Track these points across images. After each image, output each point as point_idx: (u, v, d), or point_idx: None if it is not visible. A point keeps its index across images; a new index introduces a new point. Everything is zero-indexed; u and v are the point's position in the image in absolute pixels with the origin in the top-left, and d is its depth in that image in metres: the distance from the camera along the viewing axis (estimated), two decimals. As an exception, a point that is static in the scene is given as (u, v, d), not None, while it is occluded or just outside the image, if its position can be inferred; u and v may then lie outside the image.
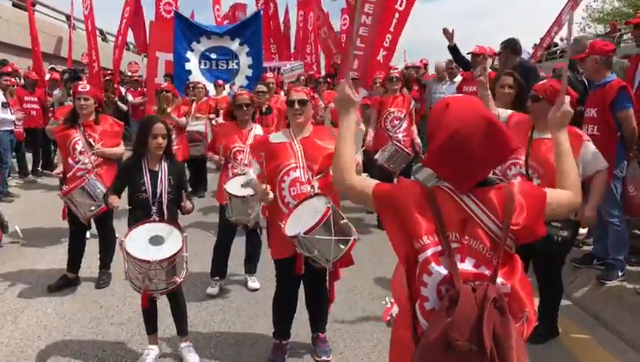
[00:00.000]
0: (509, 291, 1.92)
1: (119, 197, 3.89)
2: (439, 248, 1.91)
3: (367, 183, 2.15)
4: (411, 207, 1.95)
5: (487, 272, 1.91)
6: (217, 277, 5.28)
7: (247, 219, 4.81)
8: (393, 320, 2.21)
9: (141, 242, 3.51)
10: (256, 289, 5.22)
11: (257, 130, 5.26)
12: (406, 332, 1.99)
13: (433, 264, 1.90)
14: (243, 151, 5.08)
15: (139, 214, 3.76)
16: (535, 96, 3.78)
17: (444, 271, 1.89)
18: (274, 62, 15.19)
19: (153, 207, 3.78)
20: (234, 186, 4.63)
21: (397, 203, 2.00)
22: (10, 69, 10.56)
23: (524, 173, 3.74)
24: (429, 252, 1.91)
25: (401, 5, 9.35)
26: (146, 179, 3.80)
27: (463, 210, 1.94)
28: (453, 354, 1.79)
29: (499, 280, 1.91)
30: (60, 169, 5.49)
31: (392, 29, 9.43)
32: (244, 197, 4.63)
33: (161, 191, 3.81)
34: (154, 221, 3.72)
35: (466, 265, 1.92)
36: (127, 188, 3.90)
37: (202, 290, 5.19)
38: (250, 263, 5.43)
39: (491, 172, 2.13)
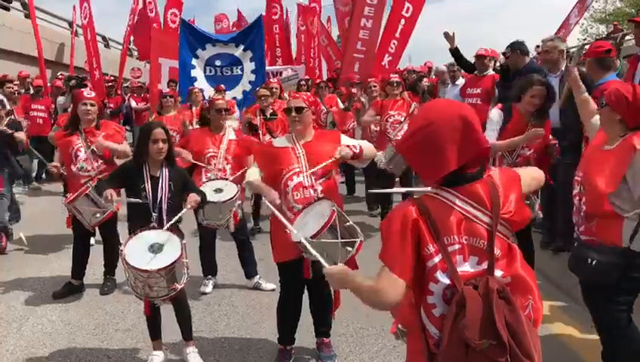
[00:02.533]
0: (511, 281, 1.95)
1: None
2: (441, 256, 1.93)
3: (388, 279, 1.94)
4: (416, 225, 1.95)
5: (487, 265, 1.95)
6: (210, 276, 5.39)
7: (218, 224, 4.90)
8: (401, 332, 2.21)
9: (140, 250, 3.50)
10: (273, 290, 5.14)
11: (230, 135, 5.29)
12: (421, 358, 2.01)
13: (439, 272, 1.93)
14: (217, 157, 5.13)
15: (138, 220, 3.76)
16: (600, 102, 3.39)
17: (447, 281, 1.92)
18: (276, 67, 15.22)
19: (154, 214, 3.79)
20: (207, 191, 4.61)
21: (407, 238, 1.94)
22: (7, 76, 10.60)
23: (579, 190, 3.33)
24: (436, 259, 1.94)
25: (407, 12, 9.36)
26: (146, 185, 3.80)
27: (455, 210, 1.96)
28: (475, 354, 1.82)
29: (498, 272, 1.94)
30: (56, 163, 5.45)
31: (397, 34, 9.44)
32: (215, 203, 4.68)
33: (162, 197, 3.82)
34: (153, 228, 3.72)
35: (469, 265, 1.95)
36: (126, 193, 3.91)
37: (207, 296, 5.21)
38: (249, 267, 5.45)
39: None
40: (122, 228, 5.52)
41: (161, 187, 3.84)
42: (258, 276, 5.42)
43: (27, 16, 15.71)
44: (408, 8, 9.32)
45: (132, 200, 3.78)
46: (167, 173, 3.88)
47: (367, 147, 3.86)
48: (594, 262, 3.11)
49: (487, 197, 1.97)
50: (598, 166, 3.21)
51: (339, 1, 14.57)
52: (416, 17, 9.40)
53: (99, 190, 4.00)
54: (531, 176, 2.30)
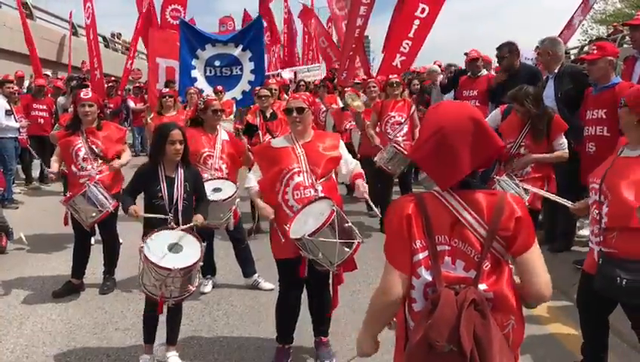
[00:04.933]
0: (493, 297, 1.93)
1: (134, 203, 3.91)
2: (427, 253, 1.95)
3: (391, 275, 2.00)
4: (409, 220, 1.97)
5: (474, 276, 1.93)
6: (209, 275, 5.43)
7: (219, 223, 4.91)
8: (394, 323, 2.23)
9: (160, 249, 3.51)
10: (272, 289, 5.17)
11: (224, 135, 5.33)
12: (400, 349, 2.04)
13: (422, 268, 1.95)
14: (212, 156, 5.16)
15: (155, 221, 3.76)
16: (620, 101, 3.28)
17: (429, 278, 1.93)
18: (285, 69, 15.26)
19: (170, 214, 3.80)
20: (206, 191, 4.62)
21: (403, 234, 1.98)
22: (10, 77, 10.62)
23: (598, 199, 3.16)
24: (421, 255, 1.95)
25: (422, 13, 9.28)
26: (162, 186, 3.82)
27: (452, 213, 1.97)
28: (435, 355, 1.83)
29: (482, 286, 1.92)
30: (56, 167, 5.45)
31: (411, 35, 9.40)
32: (216, 201, 4.70)
33: (177, 198, 3.84)
34: (171, 228, 3.73)
35: (456, 268, 1.95)
36: (143, 196, 3.92)
37: (206, 295, 5.23)
38: (246, 266, 5.48)
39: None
40: (122, 228, 5.57)
41: (177, 188, 3.86)
42: (257, 274, 5.45)
43: (29, 16, 15.71)
44: (424, 9, 9.22)
45: (150, 215, 3.79)
46: (182, 174, 3.90)
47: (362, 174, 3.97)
48: (624, 282, 2.91)
49: (488, 209, 1.95)
50: (624, 175, 3.03)
51: (335, 5, 14.62)
52: (433, 18, 9.29)
53: (124, 206, 3.92)
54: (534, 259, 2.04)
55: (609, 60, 4.79)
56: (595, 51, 4.98)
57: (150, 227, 3.74)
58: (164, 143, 3.81)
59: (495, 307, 1.92)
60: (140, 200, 3.97)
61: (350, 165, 3.95)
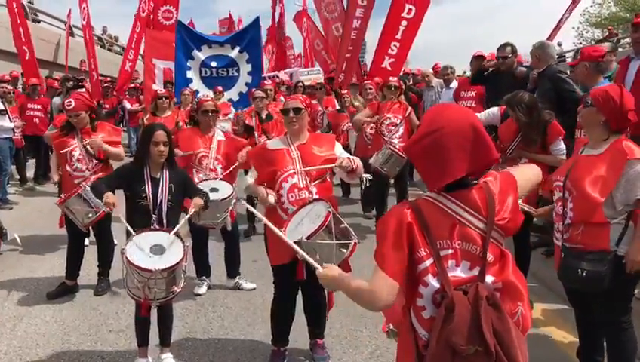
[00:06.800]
0: (502, 286, 1.95)
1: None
2: (433, 259, 1.93)
3: (382, 280, 1.94)
4: (410, 228, 1.95)
5: (479, 271, 1.94)
6: (204, 276, 5.41)
7: (215, 223, 4.89)
8: (392, 332, 2.22)
9: (143, 250, 3.49)
10: (253, 289, 5.29)
11: (219, 135, 5.33)
12: (409, 358, 2.01)
13: (430, 275, 1.93)
14: (208, 157, 5.15)
15: (138, 221, 3.74)
16: (585, 101, 3.34)
17: (437, 284, 1.92)
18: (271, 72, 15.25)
19: (154, 215, 3.78)
20: None
21: (401, 243, 1.95)
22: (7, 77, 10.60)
23: (562, 196, 3.32)
24: (427, 263, 1.93)
25: (409, 13, 9.26)
26: (147, 186, 3.80)
27: (449, 215, 1.96)
28: (460, 360, 1.82)
29: (489, 278, 1.94)
30: (57, 177, 5.44)
31: (398, 36, 9.38)
32: (213, 201, 4.67)
33: (162, 199, 3.82)
34: (155, 229, 3.71)
35: (461, 270, 1.95)
36: (125, 195, 3.89)
37: (201, 297, 5.21)
38: (231, 267, 5.48)
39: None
40: (116, 229, 5.54)
41: (162, 189, 3.84)
42: (239, 276, 5.46)
43: (25, 16, 15.62)
44: (410, 10, 9.19)
45: (127, 225, 3.70)
46: (167, 175, 3.89)
47: (360, 166, 3.86)
48: (584, 273, 3.12)
49: (483, 203, 1.97)
50: (587, 172, 3.17)
51: (324, 9, 14.58)
52: (419, 18, 9.27)
53: (96, 189, 3.90)
54: (526, 178, 2.25)
55: (585, 65, 4.80)
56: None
57: (133, 226, 3.70)
58: (148, 144, 3.81)
59: (503, 296, 1.94)
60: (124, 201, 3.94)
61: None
